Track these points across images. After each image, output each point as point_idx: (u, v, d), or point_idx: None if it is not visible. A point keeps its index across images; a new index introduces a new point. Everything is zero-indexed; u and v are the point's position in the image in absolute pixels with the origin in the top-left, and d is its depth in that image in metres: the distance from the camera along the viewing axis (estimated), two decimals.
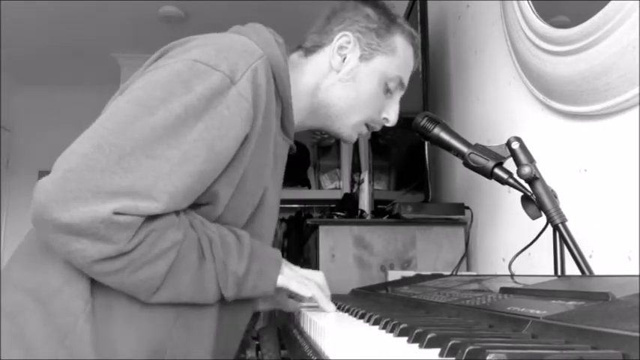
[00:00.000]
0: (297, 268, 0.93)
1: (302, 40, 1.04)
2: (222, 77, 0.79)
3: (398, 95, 1.04)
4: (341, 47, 0.99)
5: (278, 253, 0.91)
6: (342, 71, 0.99)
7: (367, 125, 1.04)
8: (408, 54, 1.03)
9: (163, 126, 0.74)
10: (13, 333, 0.77)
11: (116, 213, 0.69)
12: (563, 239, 0.88)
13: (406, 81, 1.04)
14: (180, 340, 0.83)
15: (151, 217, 0.73)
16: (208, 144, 0.77)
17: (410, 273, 1.38)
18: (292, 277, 0.90)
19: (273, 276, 0.87)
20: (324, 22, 1.02)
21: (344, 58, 0.99)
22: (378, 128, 1.05)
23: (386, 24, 1.00)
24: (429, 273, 1.32)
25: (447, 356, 0.41)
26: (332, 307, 0.89)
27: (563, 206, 0.90)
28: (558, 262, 0.90)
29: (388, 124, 1.05)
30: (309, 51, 1.01)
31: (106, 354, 0.77)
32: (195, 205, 0.81)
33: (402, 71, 1.02)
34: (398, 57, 1.01)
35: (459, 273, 1.46)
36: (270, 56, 0.88)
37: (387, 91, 1.02)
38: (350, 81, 0.99)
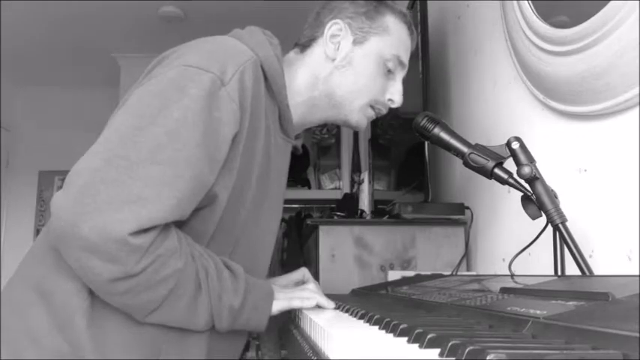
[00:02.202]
0: (287, 290, 0.98)
1: (297, 39, 1.05)
2: (214, 78, 0.81)
3: (400, 75, 1.04)
4: (333, 35, 1.00)
5: (270, 286, 0.94)
6: (338, 58, 1.00)
7: (373, 107, 1.03)
8: (402, 32, 1.03)
9: (165, 132, 0.76)
10: (20, 326, 0.82)
11: (131, 234, 0.71)
12: (563, 239, 0.88)
13: (406, 60, 1.04)
14: (175, 341, 0.86)
15: (157, 241, 0.75)
16: (206, 147, 0.79)
17: (410, 273, 1.38)
18: (291, 297, 0.94)
19: (267, 311, 0.90)
20: (315, 16, 1.04)
21: (337, 46, 1.00)
22: (384, 111, 1.05)
23: (374, 6, 1.01)
24: (429, 273, 1.32)
25: (447, 356, 0.41)
26: (332, 304, 0.95)
27: (563, 206, 0.90)
28: (558, 262, 0.90)
29: (394, 105, 1.04)
30: (305, 46, 1.03)
31: (103, 348, 0.81)
32: (195, 208, 0.83)
33: (399, 50, 1.02)
34: (392, 36, 1.01)
35: (459, 273, 1.46)
36: (263, 58, 0.91)
37: (388, 71, 1.02)
38: (347, 66, 1.00)
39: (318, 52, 1.01)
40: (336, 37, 1.00)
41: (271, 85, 0.93)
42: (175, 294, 0.79)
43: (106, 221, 0.70)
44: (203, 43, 0.89)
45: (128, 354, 0.82)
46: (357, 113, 1.02)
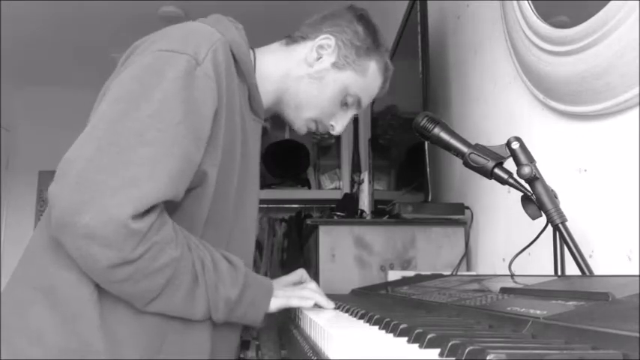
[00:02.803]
0: (287, 288, 1.01)
1: (294, 30, 1.09)
2: (189, 59, 0.84)
3: (352, 112, 1.11)
4: (321, 46, 1.04)
5: (270, 282, 0.96)
6: (314, 68, 1.04)
7: (316, 123, 1.10)
8: (376, 82, 1.10)
9: (149, 115, 0.79)
10: (19, 326, 0.83)
11: (130, 217, 0.73)
12: (563, 239, 0.87)
13: (364, 104, 1.11)
14: (179, 328, 0.87)
15: (154, 228, 0.77)
16: (189, 125, 0.82)
17: (410, 273, 1.38)
18: (290, 296, 0.96)
19: (264, 307, 0.92)
20: (320, 19, 1.08)
21: (319, 58, 1.04)
22: (321, 130, 1.13)
23: (368, 47, 1.06)
24: (429, 273, 1.32)
25: (447, 356, 0.41)
26: (332, 304, 0.97)
27: (563, 206, 0.90)
28: (558, 262, 0.90)
29: (333, 132, 1.12)
30: (293, 40, 1.07)
31: (112, 338, 0.82)
32: (187, 189, 0.85)
33: (364, 93, 1.09)
34: (365, 80, 1.07)
35: (459, 273, 1.46)
36: (230, 40, 0.94)
37: (345, 104, 1.08)
38: (317, 80, 1.04)
39: (301, 51, 1.05)
40: (323, 50, 1.04)
41: (240, 66, 0.96)
42: (173, 284, 0.80)
43: (106, 207, 0.72)
44: (172, 29, 0.92)
45: (136, 343, 0.83)
46: (302, 121, 1.09)
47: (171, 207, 0.83)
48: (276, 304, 0.94)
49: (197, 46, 0.86)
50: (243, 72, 0.96)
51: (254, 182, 1.04)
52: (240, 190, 0.96)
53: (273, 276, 1.16)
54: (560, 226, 0.88)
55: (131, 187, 0.74)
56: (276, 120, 3.58)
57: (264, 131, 1.11)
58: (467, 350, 0.38)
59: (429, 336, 0.46)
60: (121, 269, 0.75)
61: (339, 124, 1.10)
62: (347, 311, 0.85)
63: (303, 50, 1.05)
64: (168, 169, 0.78)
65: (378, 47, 1.08)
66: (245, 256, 0.99)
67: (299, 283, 1.11)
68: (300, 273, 1.12)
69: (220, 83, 0.88)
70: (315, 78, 1.04)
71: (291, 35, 1.08)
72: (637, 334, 0.36)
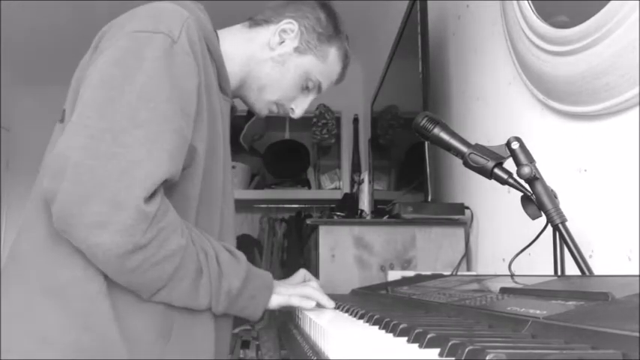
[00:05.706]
0: (288, 285, 1.01)
1: (255, 13, 1.11)
2: (164, 37, 0.84)
3: (311, 96, 1.13)
4: (284, 31, 1.06)
5: (271, 278, 0.97)
6: (276, 52, 1.06)
7: (277, 106, 1.11)
8: (336, 68, 1.12)
9: (136, 97, 0.79)
10: (26, 329, 0.81)
11: (142, 200, 0.73)
12: (563, 239, 0.87)
13: (324, 88, 1.14)
14: (185, 314, 0.87)
15: (160, 213, 0.76)
16: (176, 101, 0.82)
17: (410, 273, 1.38)
18: (291, 294, 0.96)
19: (264, 303, 0.93)
20: (283, 4, 1.10)
21: (282, 42, 1.06)
22: (282, 114, 1.15)
23: (329, 34, 1.09)
24: (429, 273, 1.32)
25: (446, 356, 0.41)
26: (332, 303, 0.97)
27: (563, 206, 0.90)
28: (558, 262, 0.90)
29: (292, 116, 1.14)
30: (256, 23, 1.09)
31: (126, 328, 0.81)
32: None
33: (324, 78, 1.11)
34: (326, 65, 1.10)
35: (459, 273, 1.46)
36: (196, 18, 0.94)
37: (306, 88, 1.10)
38: (279, 64, 1.06)
39: (264, 34, 1.07)
40: (286, 34, 1.06)
41: (208, 45, 0.96)
42: (179, 274, 0.81)
43: (113, 192, 0.72)
44: (139, 10, 0.91)
45: (149, 330, 0.83)
46: (264, 103, 1.10)
47: (167, 190, 0.83)
48: (277, 300, 0.94)
49: (169, 24, 0.86)
50: (210, 51, 0.97)
51: (230, 161, 1.06)
52: (224, 167, 0.98)
53: (274, 276, 1.16)
54: (560, 226, 0.88)
55: (134, 169, 0.74)
56: (276, 120, 3.57)
57: (233, 110, 1.12)
58: (466, 350, 0.38)
59: (428, 336, 0.46)
60: (132, 257, 0.75)
61: (298, 108, 1.12)
62: (347, 311, 0.85)
63: (266, 34, 1.06)
64: (165, 147, 0.78)
65: (339, 34, 1.10)
66: (233, 238, 1.01)
67: (304, 282, 1.11)
68: (303, 273, 1.13)
69: (197, 59, 0.88)
70: (278, 62, 1.06)
71: (253, 18, 1.09)
72: (637, 334, 0.36)
